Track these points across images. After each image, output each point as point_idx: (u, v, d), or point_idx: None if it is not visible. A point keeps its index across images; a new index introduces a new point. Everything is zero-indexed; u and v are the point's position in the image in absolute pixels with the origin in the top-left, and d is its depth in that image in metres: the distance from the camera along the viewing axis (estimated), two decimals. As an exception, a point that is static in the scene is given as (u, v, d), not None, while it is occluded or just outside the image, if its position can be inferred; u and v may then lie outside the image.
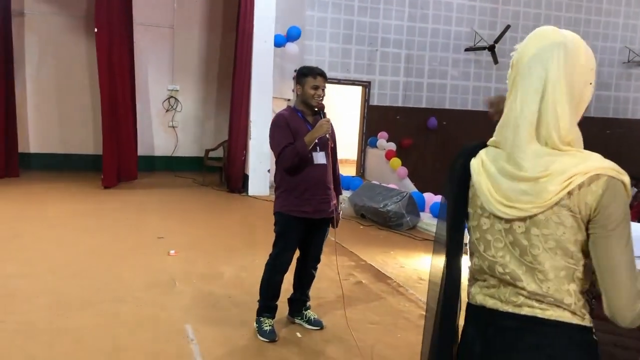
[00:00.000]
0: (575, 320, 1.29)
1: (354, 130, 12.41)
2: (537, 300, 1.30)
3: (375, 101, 12.03)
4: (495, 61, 12.07)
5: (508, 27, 11.92)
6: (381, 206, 7.24)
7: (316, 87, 3.45)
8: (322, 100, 3.51)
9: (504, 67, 11.42)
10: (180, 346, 3.46)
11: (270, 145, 3.54)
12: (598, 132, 13.42)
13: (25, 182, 9.12)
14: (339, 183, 3.81)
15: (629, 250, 1.22)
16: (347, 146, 12.68)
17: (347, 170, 11.39)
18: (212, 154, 10.28)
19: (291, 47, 9.40)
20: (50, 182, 9.21)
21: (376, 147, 11.75)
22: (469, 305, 1.47)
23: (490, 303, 1.38)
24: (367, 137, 12.02)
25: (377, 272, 5.26)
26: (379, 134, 11.79)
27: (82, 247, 5.55)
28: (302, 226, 3.56)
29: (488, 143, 1.40)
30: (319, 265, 3.84)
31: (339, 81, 11.72)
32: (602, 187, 1.21)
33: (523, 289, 1.31)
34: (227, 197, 8.87)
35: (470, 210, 1.42)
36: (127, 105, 9.66)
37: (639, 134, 14.10)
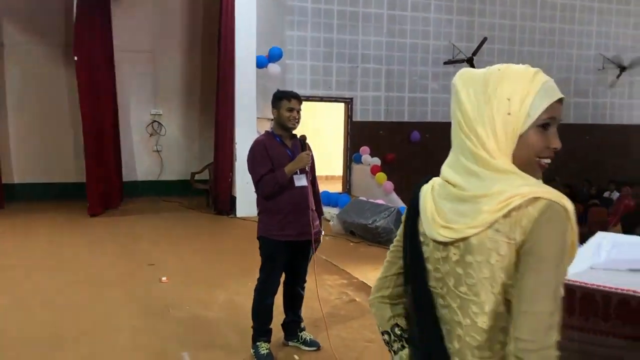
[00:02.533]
0: None
1: (338, 146, 12.49)
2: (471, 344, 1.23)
3: (358, 117, 12.15)
4: (474, 73, 12.27)
5: (485, 39, 12.15)
6: (370, 222, 7.29)
7: (291, 110, 3.51)
8: (297, 121, 3.57)
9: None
10: (178, 375, 3.46)
11: (249, 172, 3.58)
12: (577, 139, 13.67)
13: (11, 213, 9.02)
14: (320, 203, 3.86)
15: (554, 283, 1.12)
16: (333, 163, 12.78)
17: (333, 186, 11.45)
18: (198, 177, 10.26)
19: (273, 67, 9.48)
20: (35, 212, 9.12)
21: (361, 162, 11.84)
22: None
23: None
24: (352, 153, 12.11)
25: (370, 289, 5.27)
26: (361, 148, 11.89)
27: (73, 277, 5.51)
28: (287, 249, 3.60)
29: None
30: (306, 285, 3.87)
31: (321, 99, 11.83)
32: (539, 210, 1.14)
33: (459, 323, 1.25)
34: (215, 220, 8.85)
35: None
36: (110, 132, 9.64)
37: (617, 139, 14.37)
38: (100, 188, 9.11)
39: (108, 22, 9.88)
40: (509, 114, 1.21)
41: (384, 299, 1.50)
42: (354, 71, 12.08)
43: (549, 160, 1.25)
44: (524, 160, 1.22)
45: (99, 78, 9.21)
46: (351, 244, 7.30)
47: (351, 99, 12.07)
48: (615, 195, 12.02)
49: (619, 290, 1.72)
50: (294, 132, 3.65)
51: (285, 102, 3.51)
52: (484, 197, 1.19)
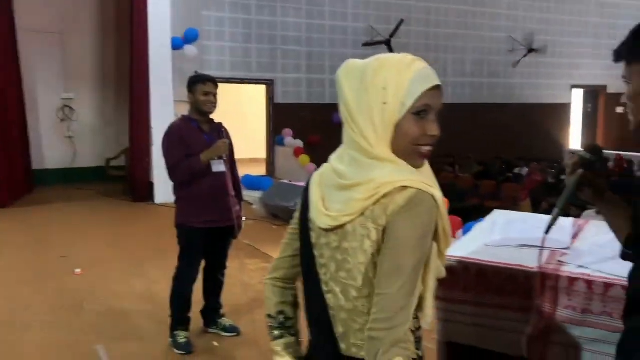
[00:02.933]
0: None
1: (261, 129, 12.41)
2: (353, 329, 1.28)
3: (279, 99, 12.10)
4: (392, 55, 12.50)
5: (402, 21, 12.37)
6: (292, 205, 7.31)
7: (207, 93, 3.45)
8: (214, 106, 3.52)
9: (401, 60, 11.81)
10: (92, 369, 3.37)
11: (164, 156, 3.50)
12: (490, 117, 14.29)
13: None
14: (239, 189, 3.83)
15: (413, 271, 1.18)
16: (256, 145, 12.68)
17: (256, 169, 11.38)
18: (113, 163, 9.90)
19: (190, 49, 9.25)
20: None
21: (284, 145, 11.83)
22: None
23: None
24: (275, 136, 12.07)
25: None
26: (284, 130, 11.88)
27: (-24, 274, 5.20)
28: (206, 236, 3.56)
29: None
30: (226, 272, 3.86)
31: (241, 80, 11.67)
32: (405, 198, 1.19)
33: (342, 307, 1.29)
34: (132, 207, 8.58)
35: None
36: (14, 117, 9.07)
37: (526, 117, 15.13)
38: (6, 178, 8.58)
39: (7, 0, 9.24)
40: (384, 103, 1.24)
41: (276, 280, 1.51)
42: (274, 53, 11.99)
43: (429, 148, 1.28)
44: (401, 149, 1.25)
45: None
46: (274, 227, 7.32)
47: (272, 80, 11.99)
48: (525, 171, 12.68)
49: (509, 266, 1.83)
50: (211, 116, 3.59)
51: (200, 85, 3.44)
52: (358, 185, 1.23)
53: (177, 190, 3.56)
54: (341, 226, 1.25)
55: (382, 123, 1.24)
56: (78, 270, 5.20)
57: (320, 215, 1.29)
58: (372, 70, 1.27)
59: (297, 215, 1.44)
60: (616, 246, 1.86)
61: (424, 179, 1.23)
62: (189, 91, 3.50)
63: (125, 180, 9.67)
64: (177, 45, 8.87)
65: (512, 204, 9.30)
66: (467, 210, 7.90)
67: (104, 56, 10.97)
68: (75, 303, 4.42)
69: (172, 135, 3.46)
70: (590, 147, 1.44)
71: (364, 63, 1.31)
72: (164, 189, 8.61)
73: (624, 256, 1.38)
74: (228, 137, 3.59)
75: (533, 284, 1.76)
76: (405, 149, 1.26)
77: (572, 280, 1.72)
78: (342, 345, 1.31)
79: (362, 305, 1.26)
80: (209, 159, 3.42)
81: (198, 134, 3.49)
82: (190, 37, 9.18)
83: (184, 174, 3.39)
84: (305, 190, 1.40)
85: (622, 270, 1.67)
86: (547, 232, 1.41)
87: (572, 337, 1.70)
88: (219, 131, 3.56)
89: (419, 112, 1.25)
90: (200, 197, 3.46)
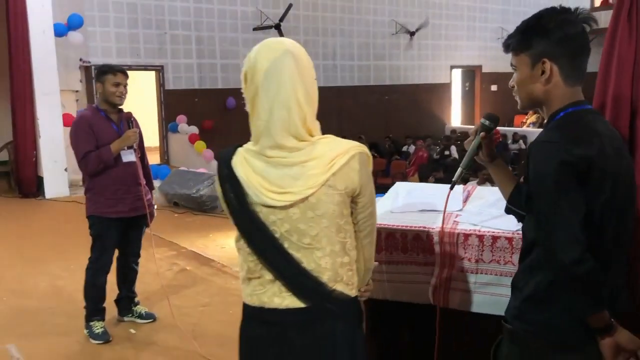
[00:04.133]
0: (346, 290, 1.49)
1: (152, 116, 12.10)
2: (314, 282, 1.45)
3: (171, 85, 11.86)
4: (283, 39, 12.64)
5: (290, 5, 12.53)
6: (193, 192, 7.33)
7: (117, 84, 3.45)
8: (124, 96, 3.52)
9: (292, 44, 11.98)
10: (6, 369, 3.29)
11: (72, 148, 3.48)
12: (378, 99, 14.94)
13: None
14: (150, 178, 3.86)
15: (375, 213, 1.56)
16: (148, 133, 12.31)
17: (150, 158, 11.08)
18: (-5, 159, 9.27)
19: (74, 35, 8.82)
20: None
21: (178, 131, 11.65)
22: (245, 306, 1.55)
23: (265, 301, 1.48)
24: (167, 123, 11.84)
25: (200, 257, 5.41)
26: (178, 117, 11.69)
27: None
28: (119, 226, 3.57)
29: (244, 146, 1.50)
30: (139, 260, 3.89)
31: (129, 67, 11.27)
32: (358, 162, 1.45)
33: (304, 269, 1.45)
34: (20, 203, 8.11)
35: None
36: None
37: (410, 98, 15.98)
38: None
39: None
40: (315, 78, 1.51)
41: None
42: (162, 38, 11.70)
43: None
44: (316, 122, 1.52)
45: None
46: (176, 215, 7.29)
47: (162, 66, 11.71)
48: (412, 148, 13.44)
49: (413, 228, 2.11)
50: (121, 107, 3.58)
51: (110, 76, 3.42)
52: (308, 161, 1.42)
53: (87, 181, 3.53)
54: (304, 199, 1.42)
55: (314, 97, 1.49)
56: (-30, 272, 4.92)
57: (269, 194, 1.42)
58: (299, 53, 1.47)
59: (225, 206, 1.50)
60: (500, 206, 2.21)
61: (352, 142, 1.49)
62: (97, 81, 3.47)
63: (10, 176, 9.09)
64: (60, 32, 8.44)
65: (401, 180, 9.91)
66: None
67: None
68: (-27, 306, 4.22)
69: (81, 126, 3.42)
70: (490, 115, 1.70)
71: (285, 47, 1.46)
72: (54, 184, 8.27)
73: (507, 210, 1.68)
74: (137, 126, 3.60)
75: (435, 241, 2.05)
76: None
77: (466, 236, 2.03)
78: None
79: (325, 262, 1.46)
80: (119, 149, 3.42)
81: (107, 125, 3.48)
82: (74, 23, 8.76)
83: (94, 164, 3.36)
84: (227, 174, 1.47)
85: (505, 225, 2.01)
86: (451, 188, 1.68)
87: (468, 283, 2.01)
88: (129, 121, 3.56)
89: None
90: (111, 187, 3.46)
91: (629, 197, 1.49)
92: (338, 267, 1.47)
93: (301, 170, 1.42)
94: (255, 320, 1.53)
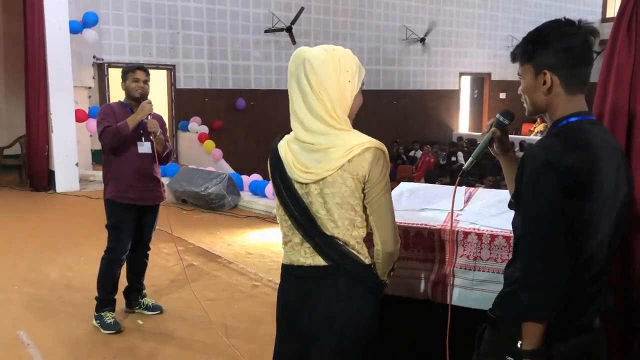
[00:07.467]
0: (359, 257, 1.77)
1: (163, 115, 12.20)
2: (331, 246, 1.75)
3: (182, 84, 12.01)
4: (293, 42, 12.74)
5: (302, 9, 12.66)
6: (202, 189, 7.43)
7: (136, 80, 3.70)
8: (144, 91, 3.74)
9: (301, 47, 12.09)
10: (18, 353, 3.39)
11: (96, 127, 3.70)
12: (387, 103, 15.03)
13: None
14: (168, 157, 3.92)
15: (390, 200, 1.76)
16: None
17: (160, 156, 11.24)
18: (7, 152, 9.42)
19: (89, 33, 8.97)
20: None
21: (188, 130, 11.79)
22: (282, 265, 1.89)
23: (294, 260, 1.81)
24: (178, 121, 11.98)
25: (207, 253, 5.51)
26: (192, 118, 11.82)
27: None
28: (132, 214, 3.72)
29: (290, 134, 1.82)
30: (149, 253, 4.01)
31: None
32: (371, 156, 1.70)
33: (322, 234, 1.75)
34: (32, 197, 8.26)
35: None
36: None
37: (419, 103, 16.06)
38: None
39: None
40: (349, 81, 1.76)
41: None
42: (175, 38, 11.85)
43: None
44: (351, 115, 1.80)
45: None
46: (184, 212, 7.40)
47: (174, 66, 11.86)
48: (419, 153, 13.52)
49: (415, 225, 2.20)
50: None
51: (130, 74, 3.72)
52: (330, 148, 1.71)
53: (105, 170, 3.75)
54: (322, 179, 1.72)
55: (345, 97, 1.74)
56: (-16, 261, 5.05)
57: (299, 172, 1.74)
58: (321, 61, 1.73)
59: (271, 178, 1.84)
60: (499, 207, 2.29)
61: (372, 139, 1.73)
62: (123, 80, 3.75)
63: (21, 169, 9.24)
64: (75, 29, 8.59)
65: (408, 185, 9.99)
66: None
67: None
68: (-15, 293, 4.34)
69: (106, 110, 3.73)
70: (506, 112, 1.77)
71: (304, 56, 1.75)
72: (65, 178, 8.41)
73: (510, 205, 1.73)
74: (157, 117, 3.79)
75: (435, 238, 2.14)
76: (352, 115, 1.80)
77: (466, 234, 2.11)
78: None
79: (337, 232, 1.76)
80: (137, 121, 3.61)
81: (129, 115, 3.67)
82: (89, 21, 8.90)
83: (111, 136, 3.56)
84: (274, 156, 1.82)
85: (503, 224, 2.09)
86: (460, 175, 1.76)
87: (466, 279, 2.10)
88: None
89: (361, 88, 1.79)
90: (125, 174, 3.66)
91: (622, 209, 1.52)
92: (349, 237, 1.75)
93: (324, 155, 1.72)
94: (288, 275, 1.87)
